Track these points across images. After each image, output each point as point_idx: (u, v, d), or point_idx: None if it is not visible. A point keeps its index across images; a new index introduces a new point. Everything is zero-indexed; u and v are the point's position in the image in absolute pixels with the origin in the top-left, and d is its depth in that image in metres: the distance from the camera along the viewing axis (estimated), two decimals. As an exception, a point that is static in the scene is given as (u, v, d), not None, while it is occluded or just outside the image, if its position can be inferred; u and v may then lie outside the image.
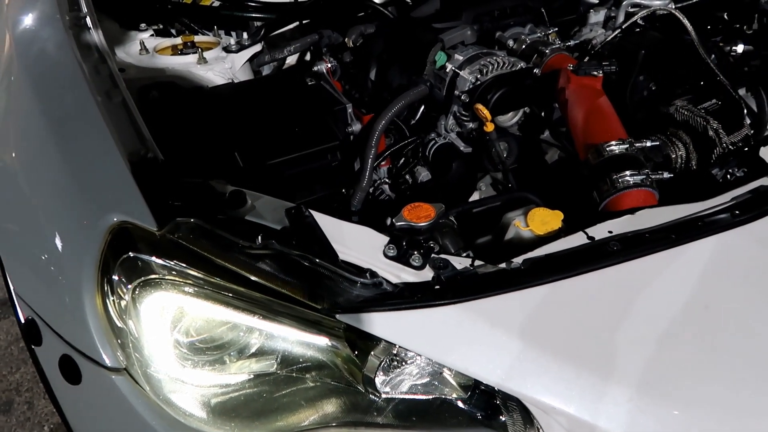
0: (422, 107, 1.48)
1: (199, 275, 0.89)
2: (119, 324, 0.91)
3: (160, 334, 0.90)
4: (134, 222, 0.92)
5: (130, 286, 0.90)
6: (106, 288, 0.92)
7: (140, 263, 0.90)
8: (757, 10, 1.63)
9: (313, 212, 0.97)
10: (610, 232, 0.99)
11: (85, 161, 1.04)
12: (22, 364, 2.10)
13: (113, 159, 0.99)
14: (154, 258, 0.90)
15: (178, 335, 0.91)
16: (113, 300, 0.91)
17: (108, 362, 0.92)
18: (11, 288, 1.19)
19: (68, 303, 0.97)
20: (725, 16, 1.66)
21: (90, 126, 1.05)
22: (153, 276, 0.89)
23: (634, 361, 0.86)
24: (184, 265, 0.89)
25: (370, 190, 1.37)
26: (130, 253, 0.90)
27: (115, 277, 0.91)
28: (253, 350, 0.91)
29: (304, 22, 1.74)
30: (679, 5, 1.51)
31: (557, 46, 1.49)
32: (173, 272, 0.90)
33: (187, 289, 0.89)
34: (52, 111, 1.12)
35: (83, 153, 1.05)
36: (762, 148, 1.22)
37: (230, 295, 0.89)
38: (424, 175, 1.43)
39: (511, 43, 1.54)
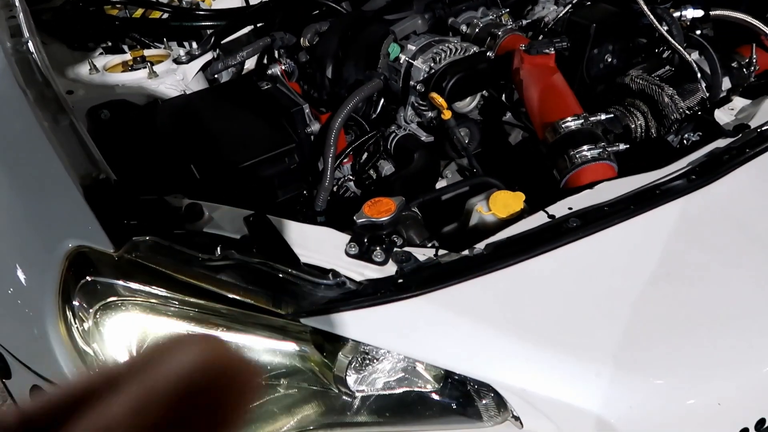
0: (382, 100, 1.47)
1: (161, 293, 0.89)
2: (85, 349, 0.90)
3: (126, 355, 0.89)
4: (91, 245, 0.91)
5: (91, 311, 0.89)
6: (68, 314, 0.91)
7: (99, 286, 0.89)
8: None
9: (273, 217, 0.96)
10: (570, 208, 0.99)
11: (37, 189, 1.02)
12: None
13: (64, 184, 0.97)
14: (113, 280, 0.89)
15: (144, 355, 0.90)
16: (77, 326, 0.90)
17: (77, 389, 0.91)
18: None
19: (36, 334, 0.95)
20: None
21: (38, 152, 1.03)
22: (113, 298, 0.88)
23: (603, 335, 0.86)
24: (145, 284, 0.88)
25: (335, 188, 1.36)
26: (87, 278, 0.89)
27: (76, 303, 0.90)
28: None
29: (258, 25, 1.72)
30: (628, -26, 1.51)
31: (510, 27, 1.49)
32: (134, 292, 0.89)
33: (149, 307, 0.88)
34: (-1, 141, 1.10)
35: (34, 181, 1.03)
36: (716, 111, 1.22)
37: (195, 309, 0.89)
38: (387, 168, 1.42)
39: (464, 28, 1.54)
